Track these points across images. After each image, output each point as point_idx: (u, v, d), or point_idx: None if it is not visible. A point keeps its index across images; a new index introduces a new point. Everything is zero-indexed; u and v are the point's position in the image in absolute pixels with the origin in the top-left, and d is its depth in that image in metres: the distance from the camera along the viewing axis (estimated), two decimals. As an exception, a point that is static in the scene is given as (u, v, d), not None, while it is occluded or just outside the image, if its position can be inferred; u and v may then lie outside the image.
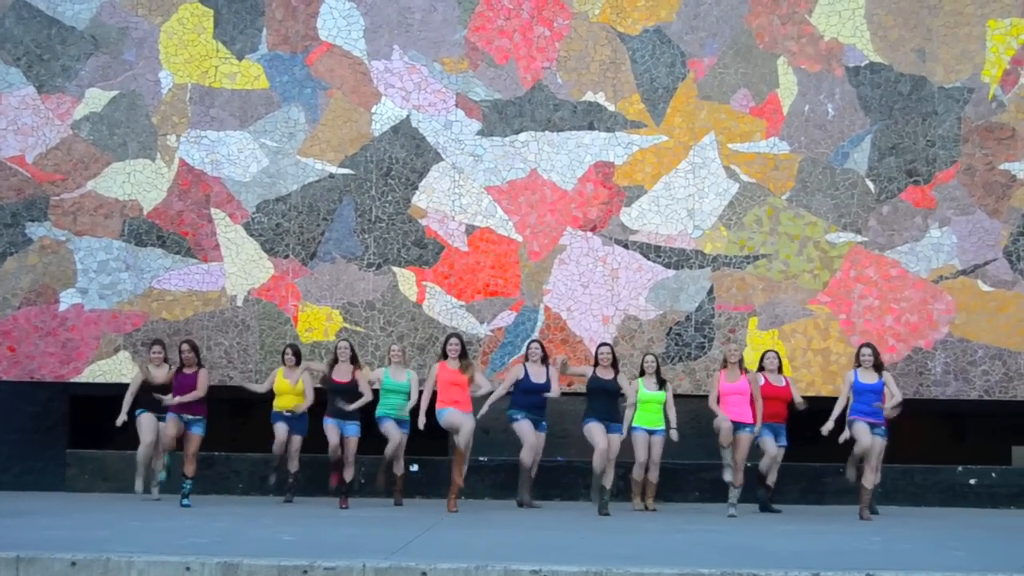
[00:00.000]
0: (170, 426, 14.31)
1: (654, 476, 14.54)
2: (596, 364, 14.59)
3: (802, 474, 15.39)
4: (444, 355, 14.50)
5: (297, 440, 14.92)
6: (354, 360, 14.68)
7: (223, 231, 16.37)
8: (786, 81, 16.32)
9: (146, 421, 14.87)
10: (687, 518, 13.57)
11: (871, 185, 16.16)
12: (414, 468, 15.41)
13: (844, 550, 10.44)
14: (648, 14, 16.48)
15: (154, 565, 9.07)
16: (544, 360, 14.73)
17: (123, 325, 16.23)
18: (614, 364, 14.59)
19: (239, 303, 16.28)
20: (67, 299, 16.32)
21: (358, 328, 16.11)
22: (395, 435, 14.34)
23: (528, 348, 14.91)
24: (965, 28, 16.29)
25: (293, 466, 14.97)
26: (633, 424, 14.46)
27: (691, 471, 15.45)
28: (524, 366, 14.69)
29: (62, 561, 9.14)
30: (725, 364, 14.52)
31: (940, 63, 16.26)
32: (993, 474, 15.85)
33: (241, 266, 16.31)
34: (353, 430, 14.45)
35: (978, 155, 16.13)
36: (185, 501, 13.91)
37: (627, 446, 14.35)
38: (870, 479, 13.74)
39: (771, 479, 14.54)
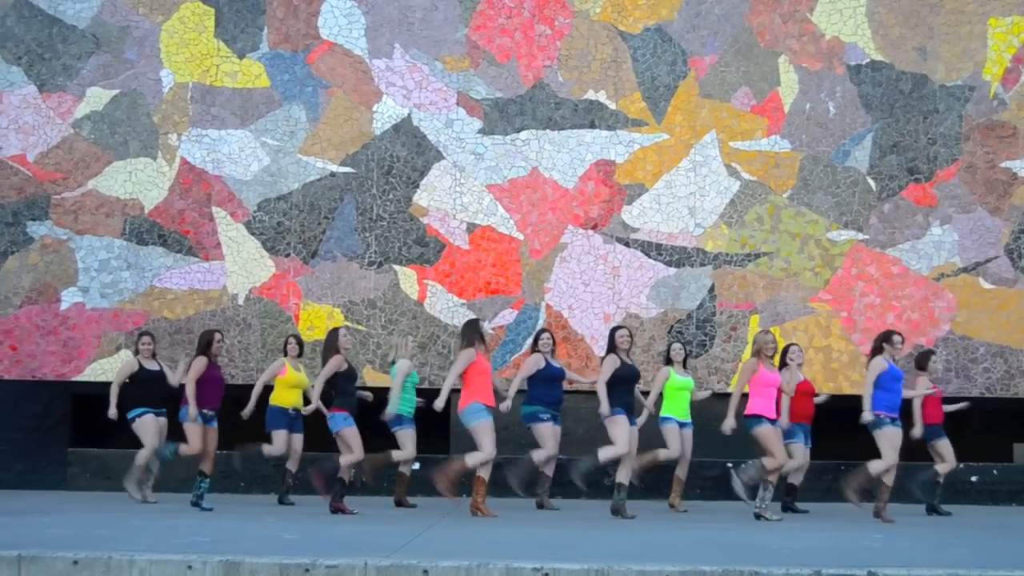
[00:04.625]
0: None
1: (683, 473, 14.26)
2: (614, 349, 13.24)
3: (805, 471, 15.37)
4: (476, 341, 13.28)
5: (298, 439, 14.47)
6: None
7: (224, 230, 16.38)
8: (787, 79, 16.33)
9: (149, 423, 14.34)
10: (689, 515, 13.56)
11: (872, 183, 16.17)
12: (416, 466, 15.36)
13: (846, 547, 10.43)
14: (649, 12, 16.48)
15: (156, 564, 9.07)
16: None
17: (124, 324, 16.24)
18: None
19: (240, 302, 16.29)
20: (68, 298, 16.33)
21: (360, 327, 16.11)
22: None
23: (539, 338, 14.08)
24: (966, 26, 16.29)
25: (293, 465, 14.54)
26: (664, 414, 14.04)
27: (692, 468, 15.39)
28: (543, 356, 13.93)
29: (64, 560, 9.14)
30: (758, 355, 13.26)
31: (941, 61, 16.27)
32: (994, 471, 15.85)
33: (242, 265, 16.33)
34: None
35: (979, 153, 16.13)
36: (204, 504, 13.44)
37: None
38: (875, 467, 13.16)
39: (797, 480, 14.36)
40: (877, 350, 13.16)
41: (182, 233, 16.40)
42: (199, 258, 16.38)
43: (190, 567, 9.02)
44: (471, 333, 13.21)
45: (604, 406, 12.95)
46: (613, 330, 13.44)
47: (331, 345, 13.35)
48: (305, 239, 16.34)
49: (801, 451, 14.22)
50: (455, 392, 13.22)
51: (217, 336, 13.92)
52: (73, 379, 16.17)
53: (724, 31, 16.44)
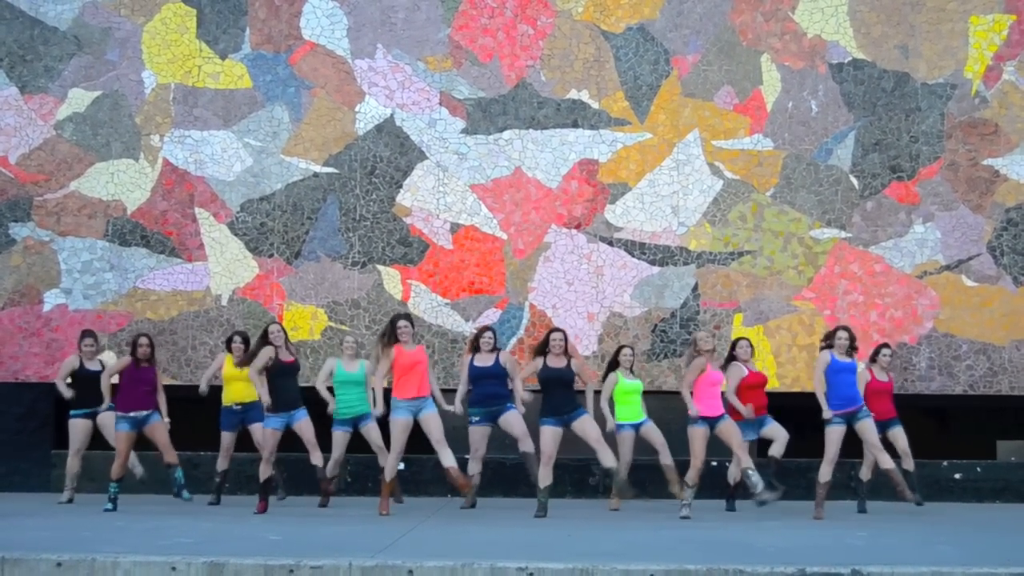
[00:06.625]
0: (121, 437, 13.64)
1: (667, 460, 14.09)
2: (546, 352, 13.58)
3: (788, 469, 15.38)
4: (396, 340, 13.25)
5: (256, 429, 14.29)
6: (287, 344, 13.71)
7: (207, 230, 16.34)
8: (769, 78, 16.35)
9: (79, 428, 14.61)
10: (673, 514, 13.58)
11: (855, 181, 16.20)
12: (400, 466, 15.31)
13: (830, 545, 10.46)
14: (632, 12, 16.49)
15: (140, 565, 9.06)
16: (495, 348, 13.97)
17: (108, 325, 16.19)
18: (566, 352, 13.60)
19: (224, 303, 16.26)
20: (51, 299, 16.28)
21: (343, 327, 16.09)
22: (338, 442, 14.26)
23: (480, 337, 13.98)
24: (948, 24, 16.33)
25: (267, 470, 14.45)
26: (618, 421, 14.09)
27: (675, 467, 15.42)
28: (473, 354, 13.95)
29: (48, 562, 9.12)
30: (698, 352, 13.37)
31: (923, 59, 16.30)
32: (978, 468, 15.90)
33: (226, 265, 16.29)
34: (274, 423, 13.42)
35: (961, 151, 16.17)
36: (185, 494, 13.42)
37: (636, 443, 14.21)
38: (884, 461, 13.35)
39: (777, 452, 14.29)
40: (828, 346, 13.53)
41: (165, 234, 16.36)
42: (182, 259, 16.34)
43: (174, 568, 9.02)
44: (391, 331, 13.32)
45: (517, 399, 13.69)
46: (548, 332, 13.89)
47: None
48: (288, 239, 16.32)
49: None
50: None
51: (142, 340, 13.75)
52: (56, 381, 16.11)
53: (706, 30, 16.46)
